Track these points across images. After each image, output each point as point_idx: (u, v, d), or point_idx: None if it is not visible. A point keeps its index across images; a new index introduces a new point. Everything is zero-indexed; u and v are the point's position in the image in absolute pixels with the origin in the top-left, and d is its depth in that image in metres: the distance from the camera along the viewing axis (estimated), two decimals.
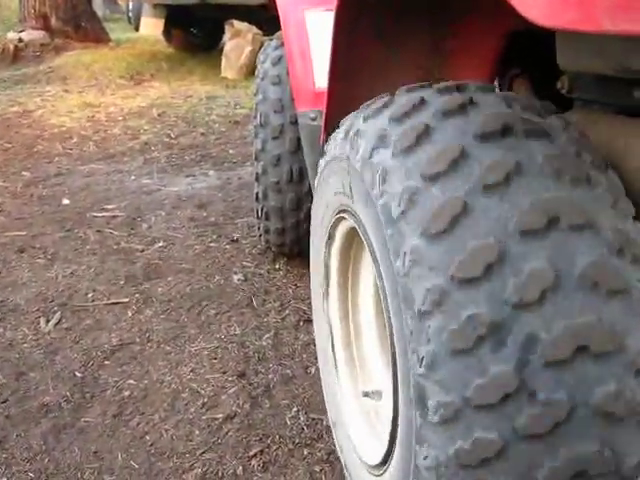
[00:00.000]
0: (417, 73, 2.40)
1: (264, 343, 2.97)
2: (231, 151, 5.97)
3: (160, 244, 4.00)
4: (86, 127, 6.58)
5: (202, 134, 6.49)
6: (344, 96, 2.27)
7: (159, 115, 7.08)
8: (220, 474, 2.24)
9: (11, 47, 10.06)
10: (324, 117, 2.41)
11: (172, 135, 6.42)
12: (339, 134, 1.78)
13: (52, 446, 2.39)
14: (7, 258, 3.82)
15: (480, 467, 1.25)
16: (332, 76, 2.26)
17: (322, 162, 1.95)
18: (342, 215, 1.84)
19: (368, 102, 1.75)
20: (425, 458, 1.31)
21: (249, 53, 8.93)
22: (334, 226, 1.96)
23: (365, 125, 1.61)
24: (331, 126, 2.06)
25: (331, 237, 2.01)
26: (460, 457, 1.26)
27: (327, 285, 2.13)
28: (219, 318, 3.19)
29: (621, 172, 1.63)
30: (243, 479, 2.22)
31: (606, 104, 1.91)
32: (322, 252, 2.08)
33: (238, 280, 3.55)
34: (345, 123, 1.79)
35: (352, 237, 1.91)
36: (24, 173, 5.32)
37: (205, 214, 4.47)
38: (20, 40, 10.25)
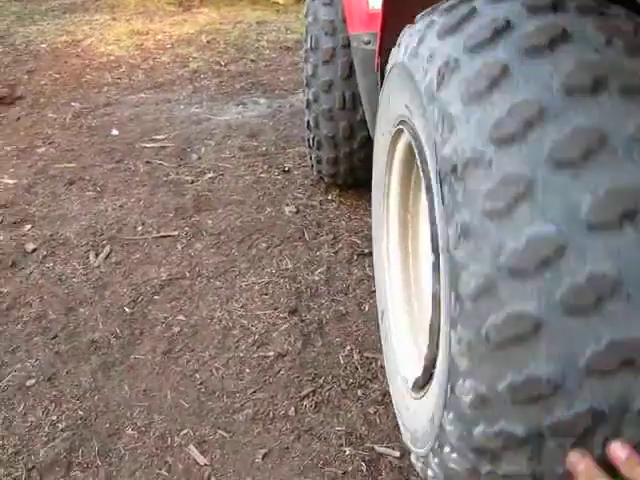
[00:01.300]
0: None
1: (316, 278, 2.88)
2: (282, 78, 5.78)
3: (210, 175, 3.90)
4: (134, 55, 6.44)
5: (252, 61, 6.30)
6: (400, 17, 2.10)
7: (208, 42, 6.89)
8: (271, 415, 2.18)
9: None
10: (378, 40, 2.24)
11: (222, 62, 6.24)
12: (412, 37, 1.63)
13: (101, 383, 2.35)
14: (56, 191, 3.77)
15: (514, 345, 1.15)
16: None
17: (392, 60, 1.80)
18: (402, 127, 1.70)
19: (448, 4, 1.59)
20: (459, 342, 1.21)
21: None
22: (396, 136, 1.83)
23: (438, 46, 1.45)
24: (386, 50, 1.90)
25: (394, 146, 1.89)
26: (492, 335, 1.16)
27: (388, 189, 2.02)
28: (270, 252, 3.09)
29: None
30: (295, 420, 2.15)
31: None
32: (386, 147, 1.96)
33: (290, 212, 3.44)
34: (420, 23, 1.64)
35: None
36: (73, 104, 5.24)
37: (256, 144, 4.34)
38: None
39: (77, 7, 8.58)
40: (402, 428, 1.81)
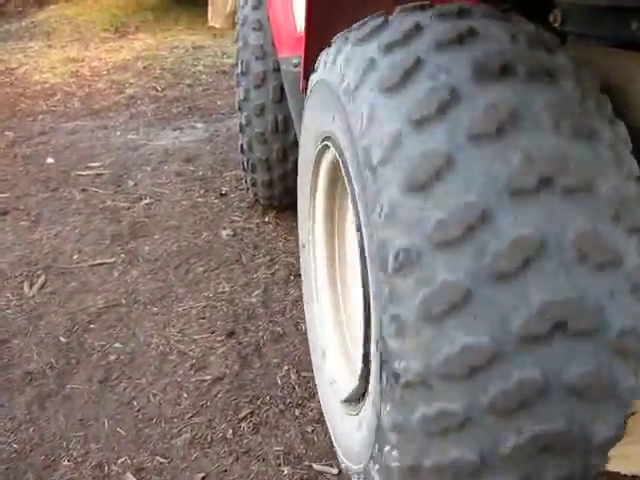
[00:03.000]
0: None
1: (254, 300, 2.89)
2: (219, 102, 5.81)
3: (146, 201, 3.89)
4: (70, 83, 6.40)
5: (189, 85, 6.32)
6: (322, 39, 2.14)
7: (145, 68, 6.88)
8: (209, 438, 2.18)
9: None
10: (303, 63, 2.29)
11: (158, 88, 6.24)
12: (329, 55, 1.66)
13: (37, 415, 2.32)
14: None
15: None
16: (309, 15, 2.12)
17: (312, 80, 1.83)
18: (327, 143, 1.74)
19: (360, 22, 1.62)
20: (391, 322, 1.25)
21: (236, 0, 8.67)
22: (320, 153, 1.86)
23: (353, 51, 1.49)
24: (311, 71, 1.94)
25: (317, 164, 1.92)
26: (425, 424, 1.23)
27: (313, 214, 2.06)
28: (207, 276, 3.10)
29: (618, 107, 1.53)
30: (233, 442, 2.16)
31: (601, 37, 1.79)
32: (309, 173, 2.00)
33: (227, 235, 3.45)
34: (335, 42, 1.67)
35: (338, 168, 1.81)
36: (7, 133, 5.18)
37: (192, 168, 4.35)
38: None
39: (11, 35, 8.50)
40: (339, 452, 1.83)
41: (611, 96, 1.56)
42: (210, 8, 8.94)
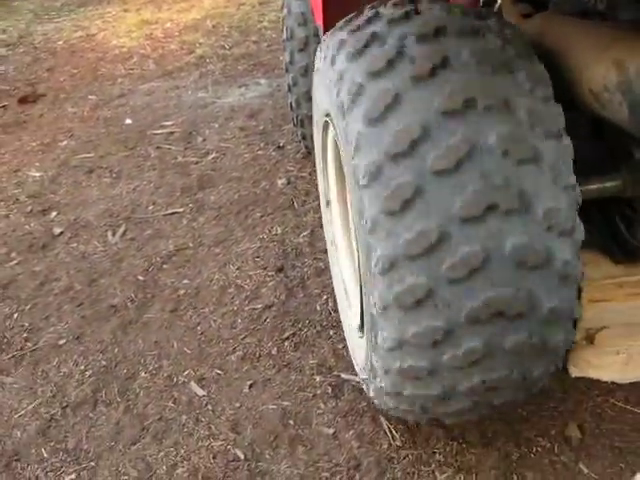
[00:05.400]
0: None
1: (301, 240, 3.32)
2: (281, 57, 6.11)
3: (213, 155, 4.34)
4: (145, 45, 6.88)
5: (254, 42, 6.69)
6: (339, 6, 2.48)
7: (213, 27, 7.29)
8: (258, 355, 2.64)
9: None
10: (322, 29, 2.63)
11: (226, 46, 6.65)
12: (328, 52, 1.95)
13: (120, 339, 2.82)
14: (78, 179, 4.24)
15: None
16: None
17: (317, 63, 2.12)
18: (328, 120, 2.10)
19: (355, 25, 1.95)
20: (376, 264, 1.61)
21: None
22: (325, 125, 2.24)
23: (346, 68, 1.80)
24: None
25: (325, 132, 2.31)
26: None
27: (325, 167, 2.45)
28: (263, 220, 3.54)
29: (570, 64, 1.85)
30: (277, 357, 2.61)
31: (572, 5, 2.11)
32: (320, 137, 2.39)
33: (282, 184, 3.87)
34: (333, 37, 1.99)
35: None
36: (90, 97, 5.69)
37: (255, 123, 4.77)
38: None
39: (90, 0, 9.01)
40: (354, 360, 2.26)
41: (563, 54, 1.86)
42: None
